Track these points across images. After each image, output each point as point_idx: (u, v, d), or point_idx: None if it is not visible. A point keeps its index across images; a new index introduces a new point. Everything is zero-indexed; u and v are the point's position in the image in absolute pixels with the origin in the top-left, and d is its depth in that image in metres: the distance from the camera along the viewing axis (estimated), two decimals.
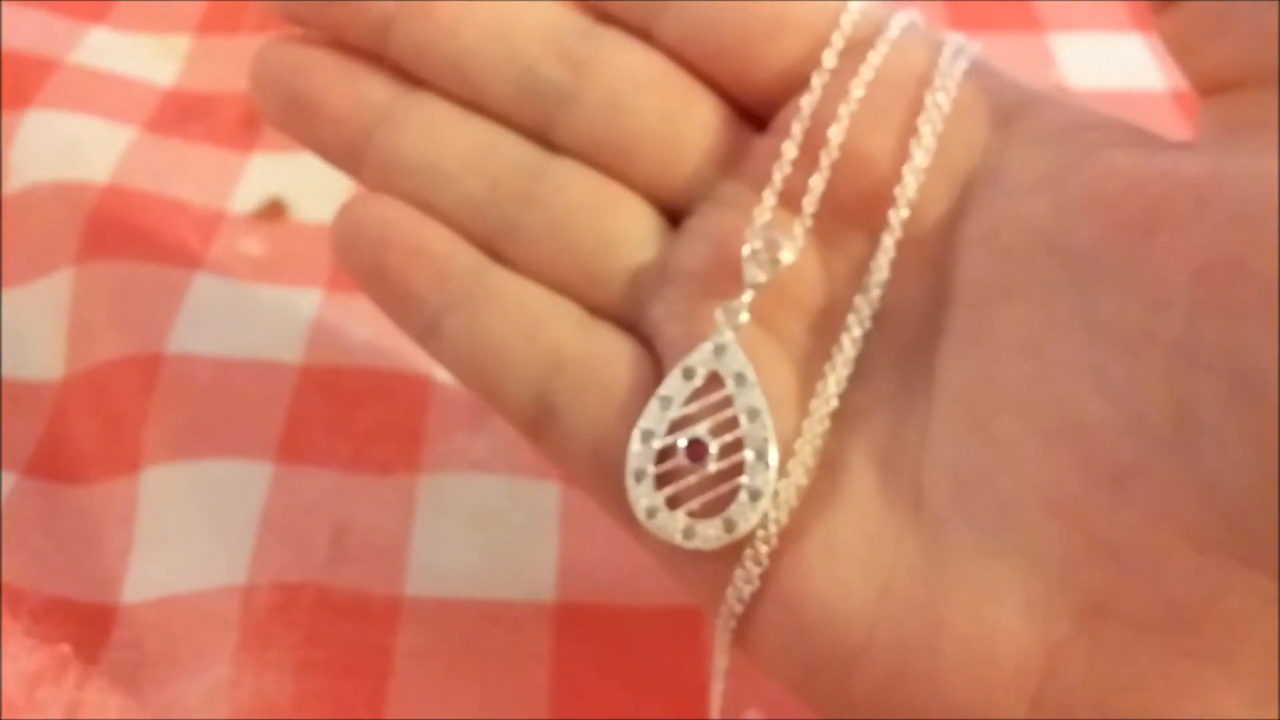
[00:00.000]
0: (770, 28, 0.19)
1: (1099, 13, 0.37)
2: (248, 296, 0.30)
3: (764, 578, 0.17)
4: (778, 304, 0.18)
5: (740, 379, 0.17)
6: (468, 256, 0.20)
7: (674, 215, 0.20)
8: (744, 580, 0.17)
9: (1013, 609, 0.15)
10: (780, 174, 0.19)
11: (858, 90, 0.18)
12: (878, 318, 0.18)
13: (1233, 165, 0.15)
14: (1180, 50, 0.17)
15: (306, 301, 0.29)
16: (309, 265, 0.30)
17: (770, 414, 0.17)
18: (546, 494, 0.26)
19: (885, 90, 0.18)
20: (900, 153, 0.18)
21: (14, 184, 0.31)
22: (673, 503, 0.17)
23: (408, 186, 0.20)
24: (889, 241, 0.18)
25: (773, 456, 0.17)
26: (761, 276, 0.18)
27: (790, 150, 0.18)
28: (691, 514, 0.17)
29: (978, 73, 0.19)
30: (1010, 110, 0.18)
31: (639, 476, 0.18)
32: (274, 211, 0.32)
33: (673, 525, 0.17)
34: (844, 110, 0.18)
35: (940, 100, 0.18)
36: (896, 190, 0.18)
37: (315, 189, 0.32)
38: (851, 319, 0.18)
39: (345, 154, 0.20)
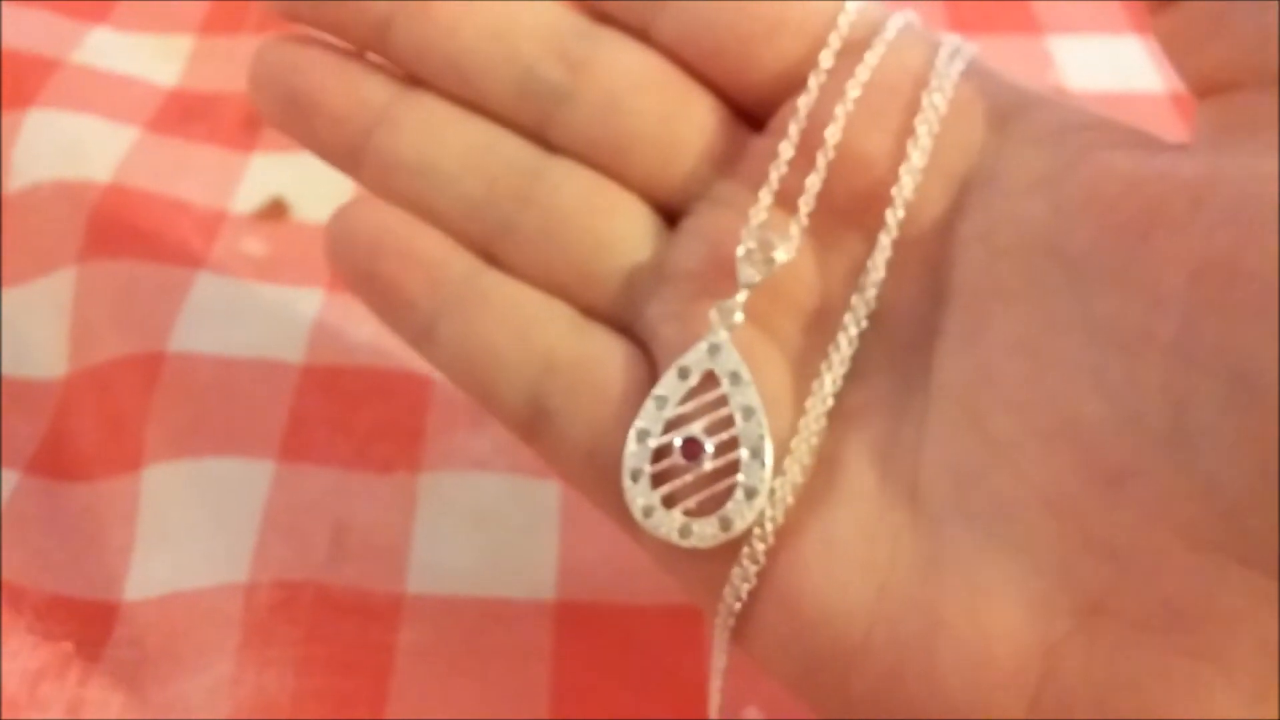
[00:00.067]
0: (767, 28, 0.19)
1: (1097, 15, 0.37)
2: (249, 296, 0.30)
3: (761, 576, 0.17)
4: (773, 304, 0.18)
5: (735, 378, 0.17)
6: (461, 261, 0.20)
7: (671, 215, 0.20)
8: (741, 579, 0.17)
9: (1010, 608, 0.15)
10: (777, 174, 0.19)
11: (854, 91, 0.18)
12: (874, 317, 0.18)
13: (1229, 166, 0.15)
14: (1176, 51, 0.17)
15: (308, 301, 0.30)
16: (310, 265, 0.30)
17: (765, 413, 0.17)
18: (547, 492, 0.26)
19: (882, 91, 0.18)
20: (897, 153, 0.18)
21: (16, 183, 0.31)
22: (669, 501, 0.17)
23: (406, 186, 0.20)
24: (885, 241, 0.18)
25: (768, 454, 0.17)
26: (756, 277, 0.18)
27: (787, 150, 0.19)
28: (688, 512, 0.17)
29: (974, 74, 0.19)
30: (1007, 111, 0.18)
31: (635, 476, 0.18)
32: (275, 211, 0.32)
33: (669, 524, 0.17)
34: (840, 111, 0.18)
35: (937, 101, 0.18)
36: (893, 190, 0.18)
37: (317, 189, 0.32)
38: (848, 318, 0.18)
39: (344, 153, 0.21)
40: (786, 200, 0.19)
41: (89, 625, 0.24)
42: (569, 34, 0.20)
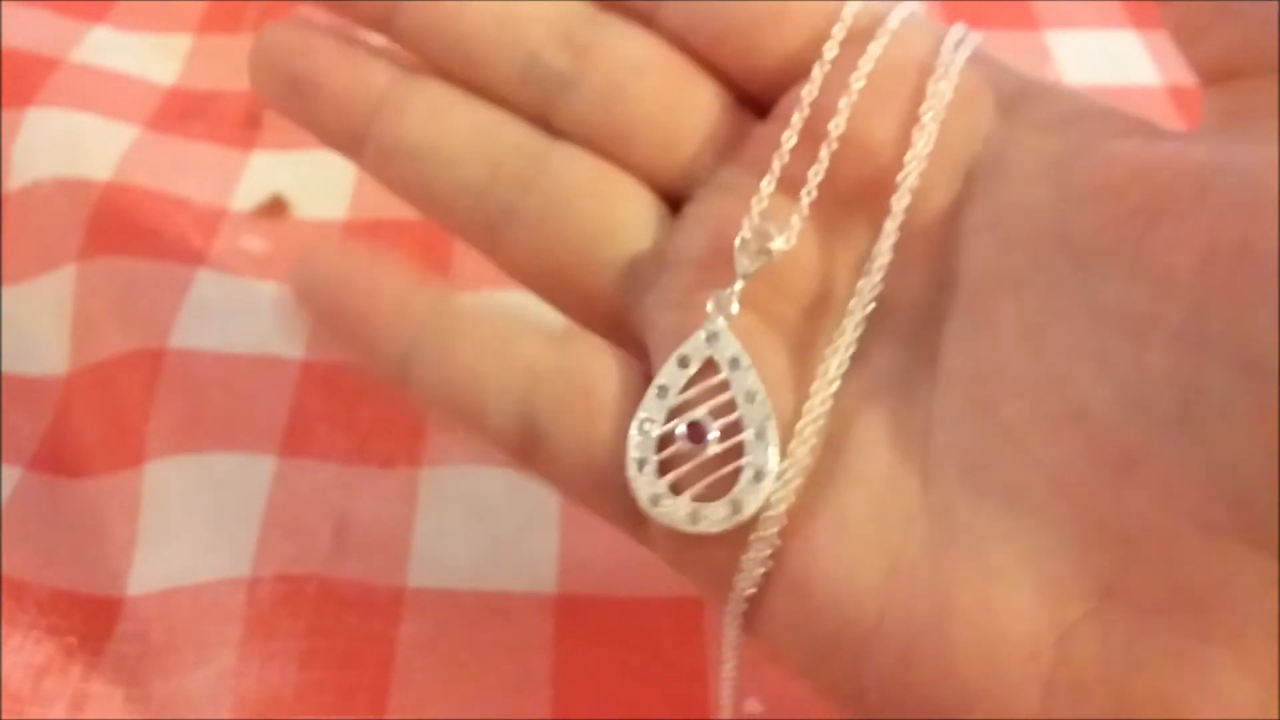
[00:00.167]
0: (772, 14, 0.19)
1: (1094, 10, 0.37)
2: (249, 293, 0.30)
3: (773, 559, 0.17)
4: (774, 291, 0.18)
5: (735, 364, 0.17)
6: (427, 290, 0.19)
7: (674, 201, 0.20)
8: (755, 563, 0.17)
9: (1022, 592, 0.15)
10: (779, 162, 0.19)
11: (859, 78, 0.18)
12: (880, 303, 0.18)
13: (1235, 153, 0.15)
14: (1183, 39, 0.17)
15: None
16: None
17: (768, 396, 0.17)
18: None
19: (887, 78, 0.18)
20: (902, 140, 0.18)
21: (16, 181, 0.31)
22: (676, 489, 0.17)
23: (408, 170, 0.20)
24: (891, 227, 0.18)
25: (773, 436, 0.17)
26: (752, 267, 0.18)
27: (789, 138, 0.19)
28: (696, 498, 0.17)
29: (979, 62, 0.19)
30: (1012, 99, 0.18)
31: (640, 465, 0.17)
32: (275, 209, 0.32)
33: (677, 511, 0.17)
34: (845, 97, 0.18)
35: (943, 88, 0.18)
36: (899, 177, 0.18)
37: (316, 186, 0.32)
38: (854, 303, 0.18)
39: (346, 138, 0.20)
40: (792, 187, 0.18)
41: (92, 620, 0.24)
42: (574, 19, 0.20)
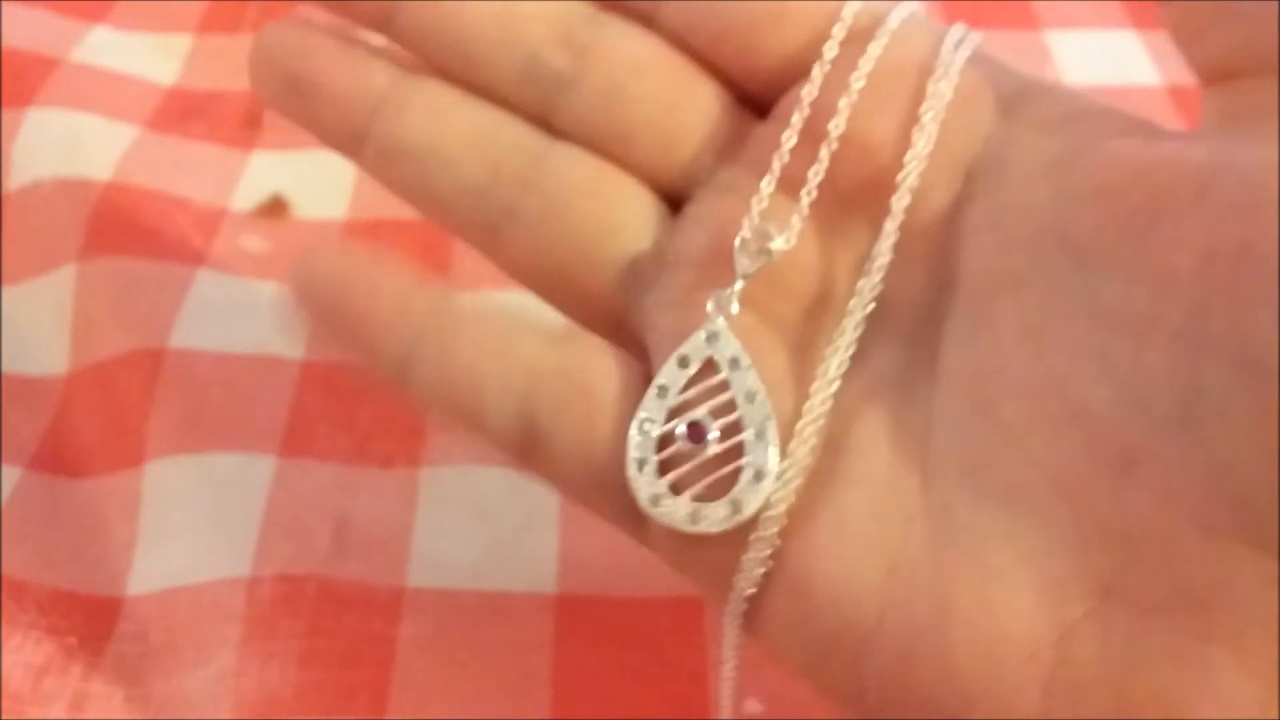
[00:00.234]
0: (773, 14, 0.19)
1: (1094, 10, 0.38)
2: (249, 292, 0.30)
3: (772, 559, 0.17)
4: (773, 291, 0.18)
5: (735, 364, 0.17)
6: (427, 290, 0.19)
7: (674, 201, 0.20)
8: (755, 563, 0.17)
9: (1022, 591, 0.15)
10: (779, 162, 0.19)
11: (859, 77, 0.18)
12: (880, 303, 0.18)
13: (1235, 153, 0.15)
14: (1183, 38, 0.17)
15: None
16: None
17: (768, 396, 0.17)
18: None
19: (887, 77, 0.18)
20: (902, 140, 0.18)
21: (16, 181, 0.31)
22: (676, 489, 0.17)
23: (408, 171, 0.20)
24: (891, 227, 0.18)
25: (773, 435, 0.17)
26: (751, 267, 0.18)
27: (789, 138, 0.19)
28: (696, 498, 0.17)
29: (979, 62, 0.19)
30: (1012, 99, 0.18)
31: (640, 465, 0.17)
32: (275, 209, 0.32)
33: (677, 511, 0.17)
34: (845, 97, 0.18)
35: (943, 88, 0.18)
36: (899, 177, 0.18)
37: (316, 186, 0.32)
38: (854, 303, 0.18)
39: (346, 138, 0.20)
40: (792, 187, 0.18)
41: (92, 620, 0.24)
42: (574, 19, 0.20)
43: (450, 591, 0.24)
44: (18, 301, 0.29)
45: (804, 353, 0.18)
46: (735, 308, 0.18)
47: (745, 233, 0.18)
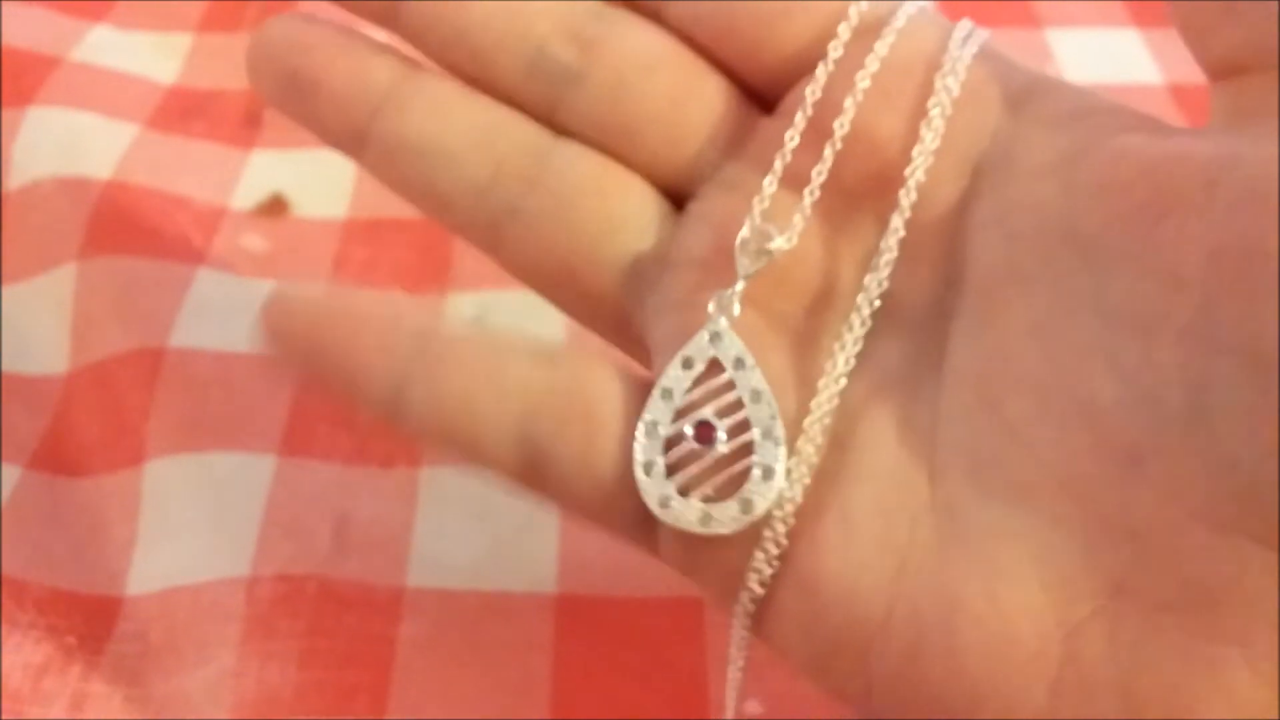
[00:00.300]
0: (780, 10, 0.19)
1: (1096, 9, 0.37)
2: (249, 291, 0.30)
3: (781, 558, 0.17)
4: (777, 289, 0.18)
5: (739, 363, 0.17)
6: (412, 317, 0.19)
7: (678, 198, 0.20)
8: (764, 561, 0.17)
9: (1030, 589, 0.15)
10: (782, 160, 0.18)
11: (866, 75, 0.18)
12: (886, 300, 0.18)
13: (1243, 149, 0.15)
14: (1190, 35, 0.17)
15: None
16: (310, 261, 0.30)
17: (773, 395, 0.17)
18: None
19: (894, 73, 0.18)
20: (909, 136, 0.18)
21: (16, 180, 0.31)
22: (685, 490, 0.17)
23: (411, 169, 0.20)
24: (898, 222, 0.18)
25: (780, 434, 0.17)
26: (752, 267, 0.18)
27: (794, 135, 0.18)
28: (706, 499, 0.17)
29: (987, 58, 0.19)
30: (1020, 95, 0.18)
31: (648, 468, 0.17)
32: (275, 207, 0.32)
33: (688, 513, 0.17)
34: (851, 94, 0.18)
35: (950, 84, 0.18)
36: (906, 173, 0.18)
37: (316, 185, 0.32)
38: (860, 299, 0.18)
39: (347, 136, 0.20)
40: (799, 184, 0.18)
41: (91, 620, 0.24)
42: (581, 14, 0.20)
43: (450, 591, 0.24)
44: (18, 301, 0.29)
45: (808, 350, 0.18)
46: (737, 309, 0.18)
47: (745, 232, 0.18)
